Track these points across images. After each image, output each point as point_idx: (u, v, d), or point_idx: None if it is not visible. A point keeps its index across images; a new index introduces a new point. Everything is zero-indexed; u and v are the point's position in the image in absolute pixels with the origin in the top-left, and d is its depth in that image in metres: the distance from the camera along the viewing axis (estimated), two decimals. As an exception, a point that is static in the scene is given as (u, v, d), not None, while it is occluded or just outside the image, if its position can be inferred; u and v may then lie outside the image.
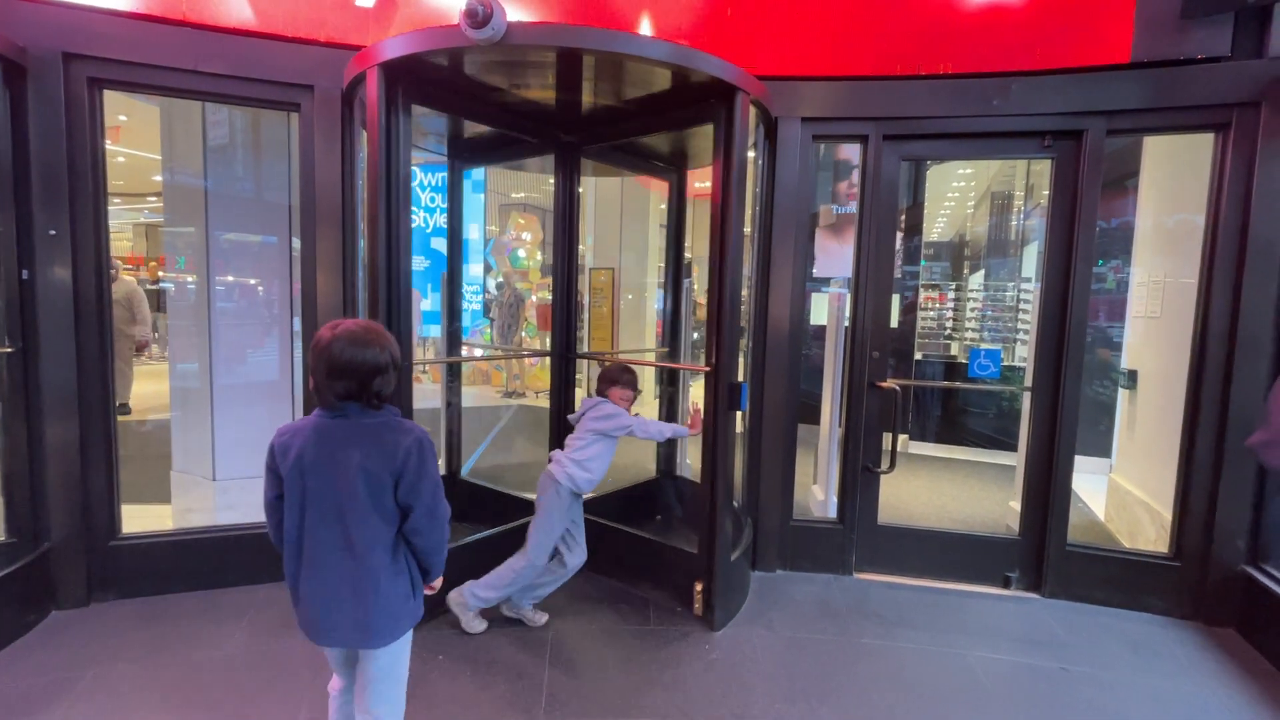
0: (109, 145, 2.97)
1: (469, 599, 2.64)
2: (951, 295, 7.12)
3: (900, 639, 2.77)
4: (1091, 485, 4.64)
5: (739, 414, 2.86)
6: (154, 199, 12.15)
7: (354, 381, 1.41)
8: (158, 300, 10.41)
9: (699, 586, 2.81)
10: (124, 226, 13.80)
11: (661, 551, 3.05)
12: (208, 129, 3.66)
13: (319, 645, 1.56)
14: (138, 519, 3.05)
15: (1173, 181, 3.68)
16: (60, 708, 2.17)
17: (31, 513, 2.72)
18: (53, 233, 2.66)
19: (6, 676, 2.33)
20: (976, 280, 7.68)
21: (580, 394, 3.59)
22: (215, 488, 3.60)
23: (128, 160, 9.33)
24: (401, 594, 1.50)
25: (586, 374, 8.37)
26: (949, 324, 7.03)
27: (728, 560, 2.82)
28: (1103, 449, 5.27)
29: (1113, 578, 3.10)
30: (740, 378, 2.80)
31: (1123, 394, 4.29)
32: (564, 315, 3.46)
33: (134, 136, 8.51)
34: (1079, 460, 3.15)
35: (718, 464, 2.74)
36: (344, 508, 1.42)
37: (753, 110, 2.80)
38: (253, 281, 3.86)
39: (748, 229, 3.13)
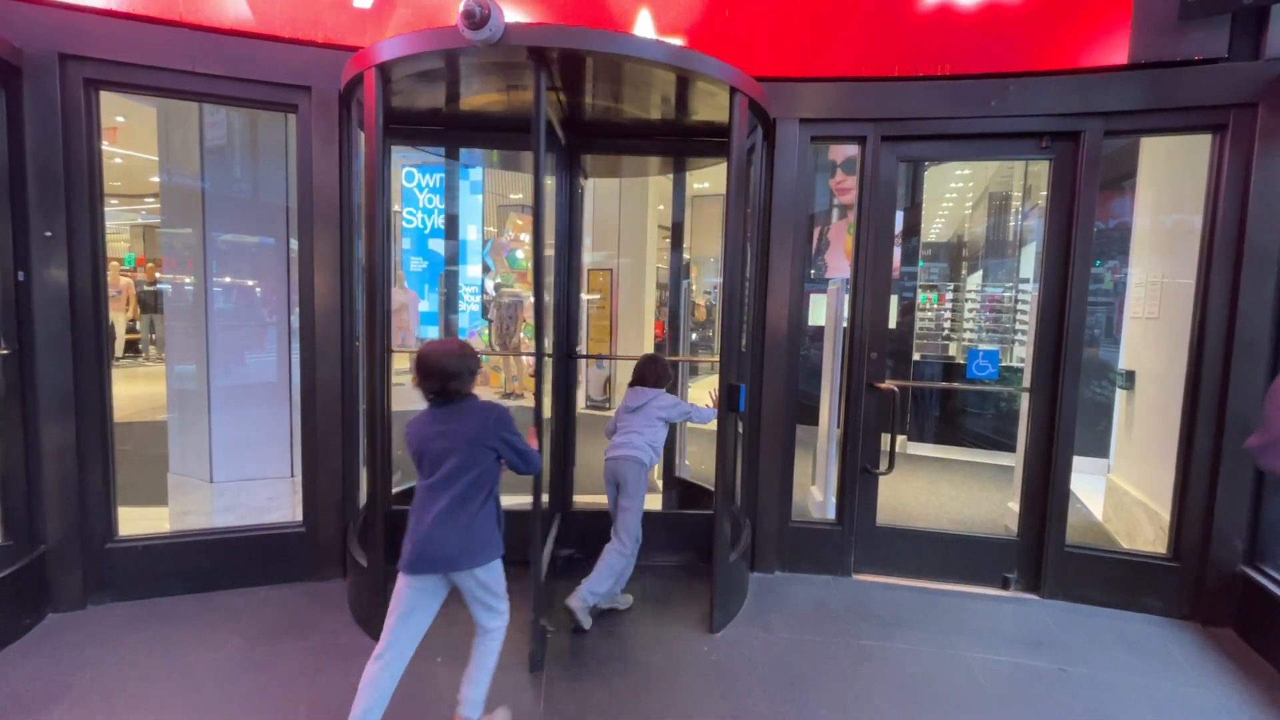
0: (106, 146, 2.96)
1: (587, 597, 2.70)
2: (950, 296, 7.13)
3: (899, 640, 2.77)
4: (1089, 486, 4.65)
5: (738, 415, 2.86)
6: (151, 200, 12.12)
7: (437, 382, 1.91)
8: (155, 301, 10.40)
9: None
10: (121, 228, 13.76)
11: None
12: (205, 130, 3.65)
13: (416, 574, 1.92)
14: (134, 521, 3.04)
15: (1170, 182, 3.69)
16: (56, 711, 2.16)
17: (28, 515, 2.71)
18: (49, 234, 2.65)
19: (3, 679, 2.32)
20: (974, 281, 7.69)
21: (581, 394, 3.59)
22: (212, 490, 3.59)
23: (125, 161, 9.31)
24: (487, 529, 1.94)
25: (585, 374, 8.37)
26: (947, 325, 7.04)
27: (726, 561, 2.81)
28: (1100, 449, 5.27)
29: (1111, 578, 3.11)
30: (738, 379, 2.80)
31: (1120, 394, 4.29)
32: (563, 315, 3.45)
33: (131, 137, 8.48)
34: (1077, 461, 3.16)
35: (718, 466, 2.73)
36: (454, 465, 1.89)
37: (750, 112, 2.79)
38: (250, 283, 3.85)
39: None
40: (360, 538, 2.91)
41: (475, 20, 2.08)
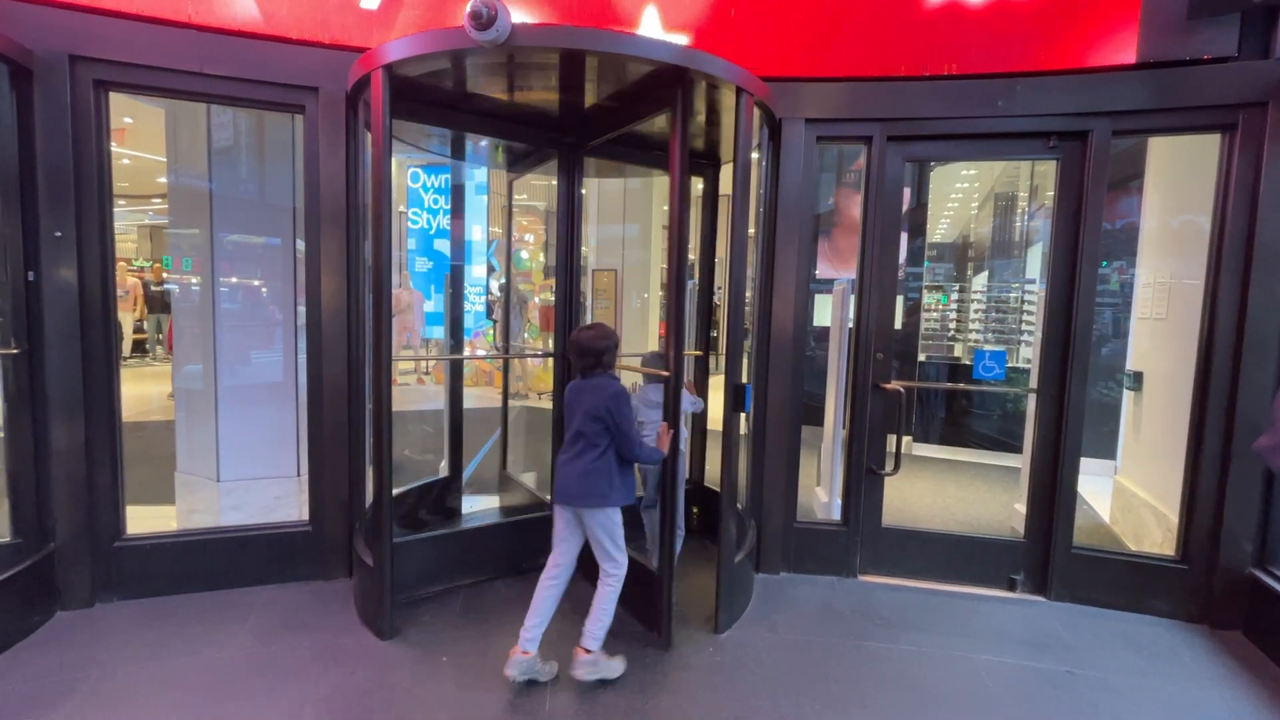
0: (114, 147, 2.97)
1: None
2: (955, 296, 7.11)
3: (905, 641, 2.76)
4: (1096, 487, 4.62)
5: (743, 415, 2.86)
6: (159, 201, 12.19)
7: (586, 359, 2.37)
8: (161, 301, 10.46)
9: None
10: (129, 228, 13.85)
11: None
12: (212, 131, 3.67)
13: (555, 504, 2.43)
14: (142, 520, 3.05)
15: (1178, 182, 3.66)
16: (65, 709, 2.17)
17: (37, 513, 2.73)
18: (58, 235, 2.67)
19: (12, 677, 2.34)
20: (980, 281, 7.66)
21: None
22: (219, 489, 3.61)
23: (133, 162, 9.37)
24: (605, 480, 2.33)
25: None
26: (953, 325, 7.01)
27: (732, 562, 2.81)
28: (1107, 451, 5.25)
29: (1119, 580, 3.09)
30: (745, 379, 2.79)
31: (1128, 396, 4.27)
32: (566, 316, 3.45)
33: (138, 139, 8.54)
34: (1083, 462, 3.14)
35: (723, 467, 2.73)
36: (580, 424, 2.33)
37: (757, 111, 2.79)
38: (256, 283, 3.87)
39: (750, 230, 3.13)
40: (366, 537, 2.92)
41: (482, 21, 2.09)
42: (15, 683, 2.31)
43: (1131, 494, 3.92)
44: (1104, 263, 5.27)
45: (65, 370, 2.72)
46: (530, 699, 2.28)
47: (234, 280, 3.77)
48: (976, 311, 7.15)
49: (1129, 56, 2.88)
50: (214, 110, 3.56)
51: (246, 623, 2.74)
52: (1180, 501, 3.07)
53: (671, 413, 2.59)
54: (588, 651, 2.36)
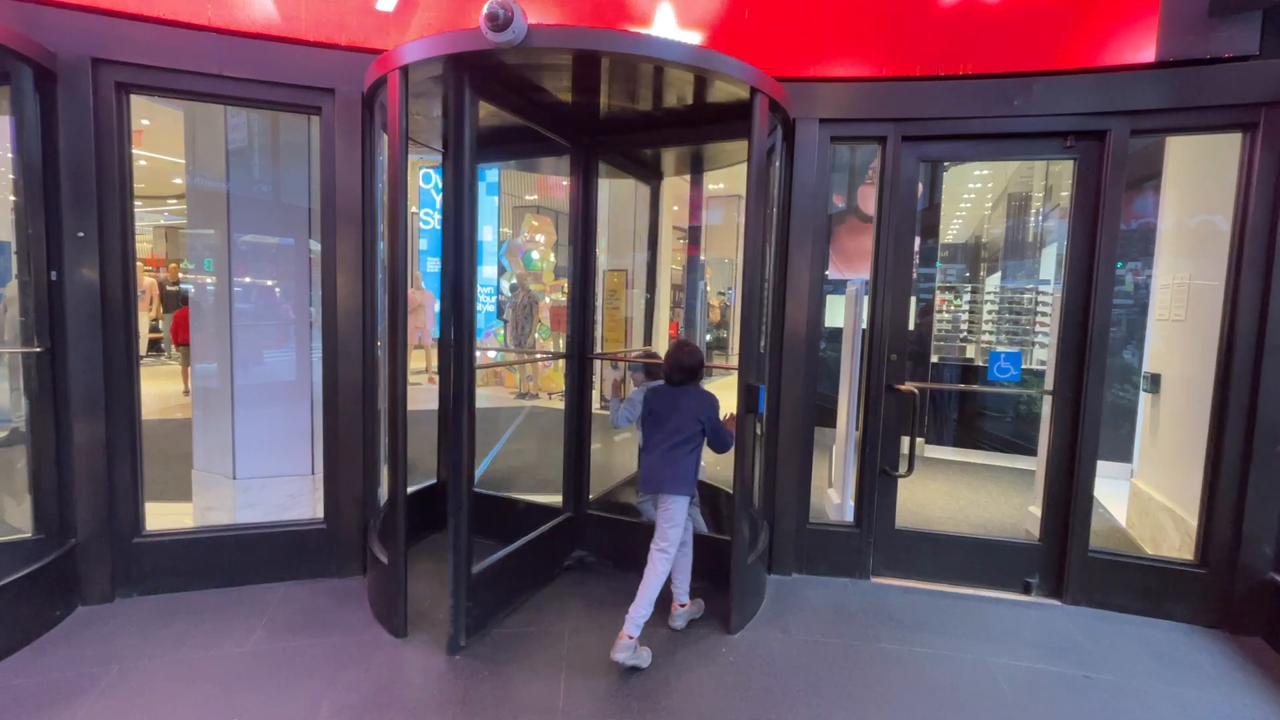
0: (133, 149, 3.01)
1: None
2: (968, 297, 7.06)
3: (918, 644, 2.74)
4: (1112, 491, 4.57)
5: (757, 417, 2.85)
6: (174, 201, 12.33)
7: (684, 374, 2.73)
8: (177, 301, 10.58)
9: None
10: (144, 229, 14.01)
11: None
12: (229, 133, 3.71)
13: (644, 492, 2.92)
14: (160, 517, 3.09)
15: (1197, 182, 3.62)
16: (86, 700, 2.21)
17: (59, 510, 2.77)
18: (81, 235, 2.71)
19: (35, 670, 2.38)
20: (993, 282, 7.60)
21: (593, 394, 3.61)
22: (235, 486, 3.64)
23: (149, 164, 9.48)
24: (686, 472, 2.67)
25: (599, 373, 8.39)
26: (965, 327, 6.97)
27: (745, 563, 2.81)
28: (1124, 454, 5.19)
29: (1136, 585, 3.06)
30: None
31: (1145, 398, 4.22)
32: (580, 317, 3.46)
33: (155, 140, 8.65)
34: (1099, 465, 3.11)
35: (736, 467, 2.73)
36: (678, 423, 2.68)
37: (772, 112, 2.79)
38: (270, 283, 3.91)
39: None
40: (381, 535, 2.94)
41: (498, 23, 2.10)
42: (39, 674, 2.34)
43: (1148, 497, 3.87)
44: (1119, 264, 5.22)
45: (86, 369, 2.76)
46: (543, 695, 2.29)
47: (248, 280, 3.81)
48: (990, 313, 7.10)
49: (1148, 55, 2.85)
50: (230, 112, 3.60)
51: (263, 619, 2.77)
52: (1200, 505, 3.04)
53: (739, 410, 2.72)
54: (630, 637, 2.47)
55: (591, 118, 3.12)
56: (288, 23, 2.89)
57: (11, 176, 2.70)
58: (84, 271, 2.73)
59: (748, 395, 2.67)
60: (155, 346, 10.98)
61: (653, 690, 2.36)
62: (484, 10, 2.11)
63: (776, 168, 3.22)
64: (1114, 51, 2.89)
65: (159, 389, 7.98)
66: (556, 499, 3.57)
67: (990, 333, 6.98)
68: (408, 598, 2.66)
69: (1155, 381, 3.94)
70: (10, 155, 2.67)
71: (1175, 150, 3.93)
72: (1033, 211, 7.48)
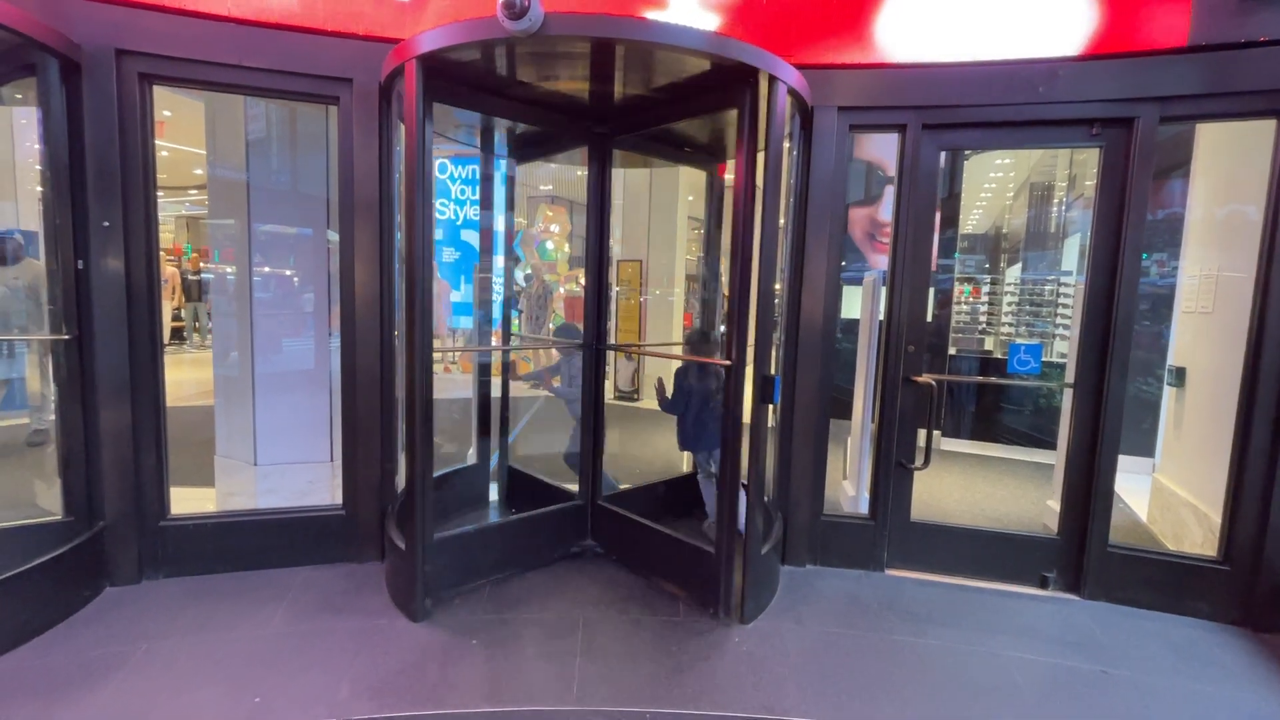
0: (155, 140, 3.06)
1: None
2: (987, 289, 6.96)
3: (933, 636, 2.73)
4: (1133, 486, 4.51)
5: (771, 407, 2.84)
6: (195, 192, 12.49)
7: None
8: (198, 290, 10.77)
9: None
10: (167, 219, 14.23)
11: (691, 548, 3.04)
12: (248, 123, 3.75)
13: (687, 450, 3.72)
14: (184, 501, 3.16)
15: (1227, 171, 3.53)
16: (116, 678, 2.27)
17: (87, 493, 2.85)
18: (106, 224, 2.76)
19: (67, 648, 2.45)
20: (1014, 274, 7.48)
21: (607, 385, 3.63)
22: (256, 472, 3.72)
23: (171, 154, 9.61)
24: (711, 435, 3.39)
25: (613, 365, 8.40)
26: (984, 319, 6.87)
27: (758, 554, 2.81)
28: (1145, 449, 5.11)
29: (1157, 580, 3.01)
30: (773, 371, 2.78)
31: (1169, 392, 4.14)
32: (597, 306, 3.47)
33: (176, 131, 8.75)
34: (1121, 460, 3.06)
35: (750, 458, 2.72)
36: (696, 399, 3.39)
37: (789, 99, 2.76)
38: (289, 273, 3.95)
39: (781, 220, 3.10)
40: (398, 521, 2.98)
41: (515, 10, 2.09)
42: (71, 652, 2.42)
43: (1171, 493, 3.81)
44: (1144, 255, 5.11)
45: (113, 356, 2.82)
46: (557, 680, 2.32)
47: (267, 270, 3.86)
48: (1010, 305, 6.99)
49: (1179, 39, 2.77)
50: (249, 103, 3.63)
51: (283, 602, 2.83)
52: (1224, 501, 2.98)
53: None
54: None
55: (605, 106, 3.11)
56: (305, 12, 2.91)
57: (39, 168, 2.75)
58: (109, 260, 2.78)
59: (763, 385, 2.66)
60: (178, 335, 11.18)
61: (666, 678, 2.38)
62: (501, -2, 2.11)
63: (794, 156, 3.19)
64: (1143, 35, 2.81)
65: (182, 376, 8.14)
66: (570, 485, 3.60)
67: (1010, 325, 6.88)
68: (424, 582, 2.70)
69: (1180, 375, 3.86)
70: (38, 146, 2.72)
71: (1205, 138, 3.83)
72: (1055, 201, 7.34)
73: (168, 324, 10.80)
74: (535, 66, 2.64)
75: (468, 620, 2.72)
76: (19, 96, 3.10)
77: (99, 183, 2.73)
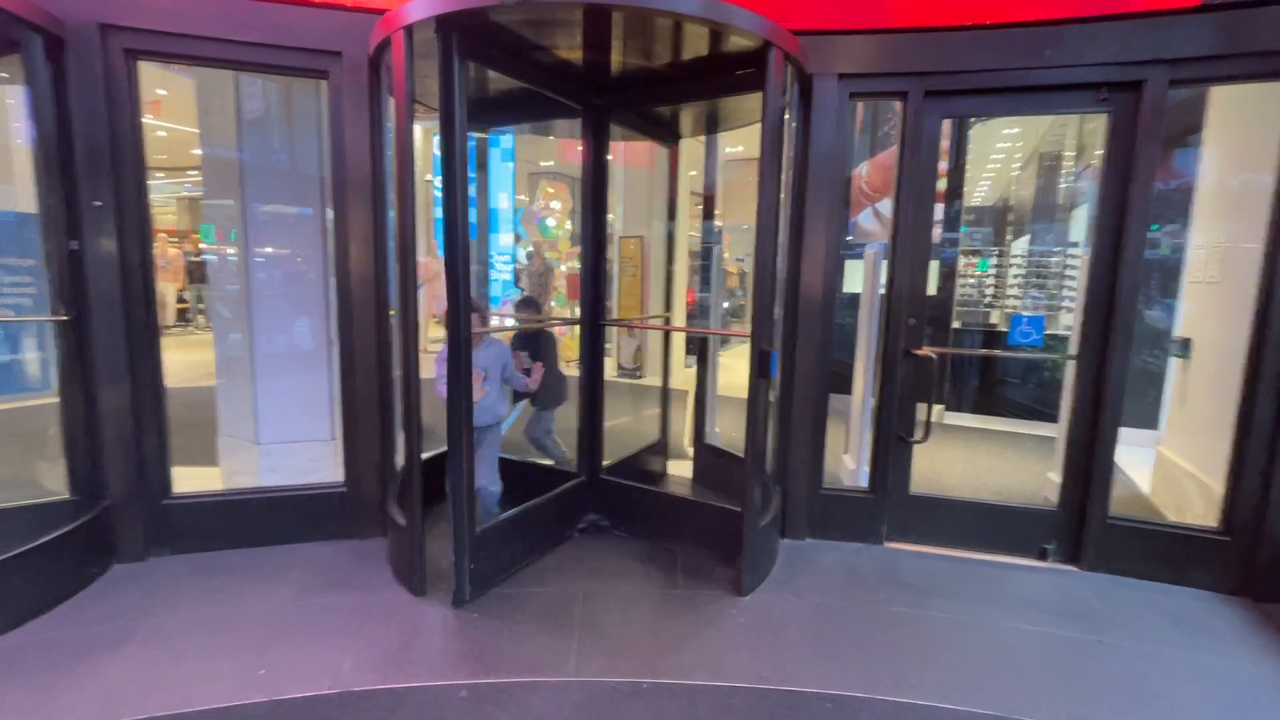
0: (150, 120, 3.02)
1: None
2: (993, 261, 6.87)
3: (931, 608, 2.75)
4: (1136, 458, 4.49)
5: (770, 381, 2.83)
6: (194, 172, 12.43)
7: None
8: (200, 271, 10.76)
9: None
10: (168, 200, 14.19)
11: (692, 517, 3.06)
12: (242, 102, 3.70)
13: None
14: (188, 480, 3.19)
15: (1240, 138, 3.44)
16: (124, 651, 2.32)
17: (91, 472, 2.88)
18: (98, 204, 2.74)
19: (75, 623, 2.50)
20: (1021, 246, 7.38)
21: (610, 363, 3.60)
22: (259, 451, 3.74)
23: (169, 134, 9.53)
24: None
25: (615, 342, 8.39)
26: (990, 291, 6.80)
27: (757, 526, 2.82)
28: (1149, 421, 5.07)
29: (1156, 551, 3.01)
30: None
31: (1174, 363, 4.10)
32: (592, 283, 3.44)
33: (173, 111, 8.67)
34: (1123, 433, 3.04)
35: (749, 432, 2.72)
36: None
37: (788, 67, 2.69)
38: (288, 252, 3.93)
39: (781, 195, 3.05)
40: (399, 498, 3.01)
41: (502, -24, 2.03)
42: (80, 627, 2.47)
43: (1174, 465, 3.79)
44: (1154, 225, 5.02)
45: (110, 336, 2.82)
46: (555, 652, 2.35)
47: (268, 250, 3.84)
48: (1015, 277, 6.91)
49: (1191, -2, 2.68)
50: (243, 80, 3.58)
51: (287, 578, 2.87)
52: (1226, 471, 2.96)
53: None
54: None
55: (601, 76, 3.04)
56: (292, -17, 2.84)
57: (29, 148, 2.73)
58: (103, 241, 2.77)
59: (760, 360, 2.64)
60: (182, 316, 11.22)
61: (663, 649, 2.40)
62: (487, -36, 2.04)
63: (793, 126, 3.12)
64: (1154, -6, 2.72)
65: (187, 358, 8.17)
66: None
67: (1016, 297, 6.81)
68: (425, 558, 2.73)
69: (1186, 346, 3.81)
70: (26, 126, 2.69)
71: (1218, 102, 3.72)
72: (1063, 171, 7.21)
73: (172, 305, 10.84)
74: (528, 34, 2.58)
75: (471, 595, 2.74)
76: (5, 75, 3.06)
77: (88, 162, 2.71)
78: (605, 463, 3.57)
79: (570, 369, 3.87)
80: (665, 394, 4.27)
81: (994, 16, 2.88)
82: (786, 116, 3.08)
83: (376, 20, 2.67)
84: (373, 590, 2.78)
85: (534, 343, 3.68)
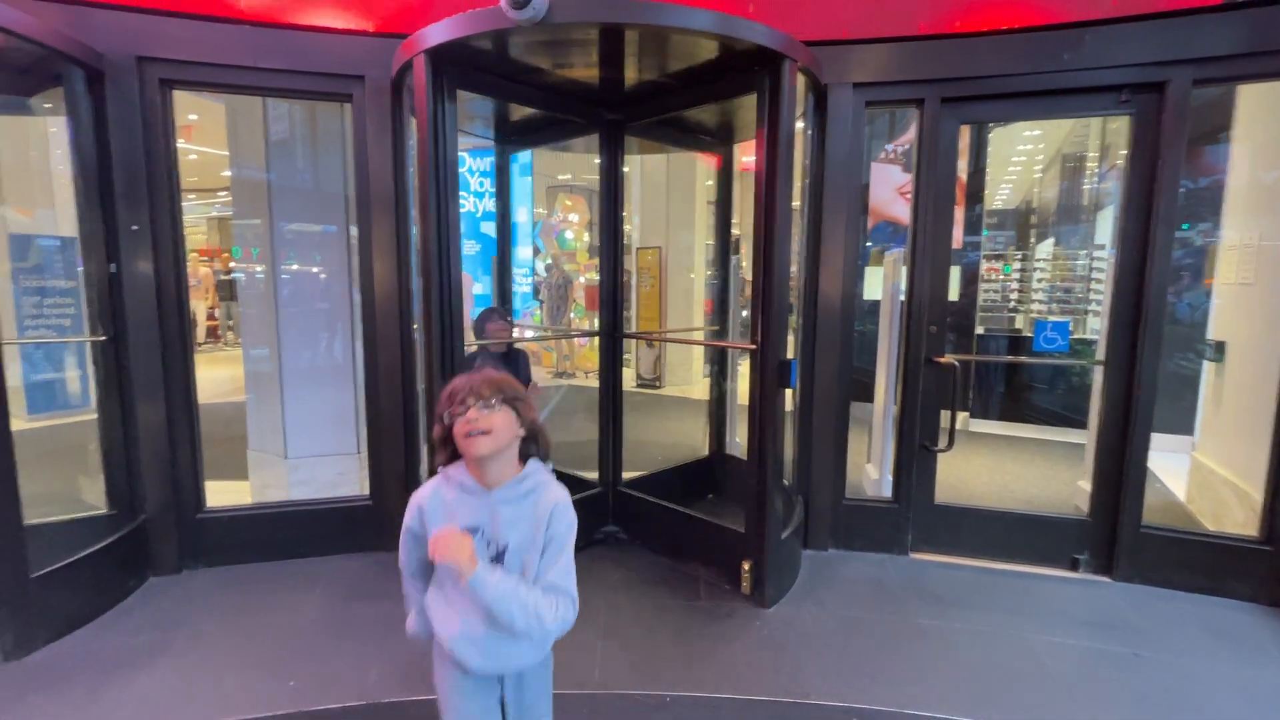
0: (182, 143, 3.14)
1: None
2: (1017, 265, 6.77)
3: (957, 619, 2.70)
4: (1171, 465, 4.37)
5: (789, 391, 2.82)
6: (224, 194, 12.80)
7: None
8: (230, 289, 11.06)
9: (746, 566, 2.80)
10: (198, 220, 14.62)
11: (711, 530, 3.05)
12: (270, 124, 3.82)
13: None
14: (220, 494, 3.28)
15: (1273, 133, 3.36)
16: (162, 661, 2.38)
17: (129, 487, 2.97)
18: (135, 228, 2.85)
19: (113, 633, 2.57)
20: (1045, 249, 7.26)
21: (629, 374, 3.62)
22: (287, 465, 3.82)
23: (199, 157, 9.84)
24: None
25: (635, 353, 8.41)
26: (1014, 296, 6.70)
27: (778, 538, 2.80)
28: (1184, 426, 4.93)
29: (1193, 561, 2.93)
30: (789, 355, 2.75)
31: (1208, 367, 3.99)
32: (612, 294, 3.47)
33: (204, 134, 8.96)
34: (1156, 438, 2.97)
35: (767, 441, 2.71)
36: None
37: (801, 78, 2.70)
38: (315, 269, 4.03)
39: (796, 202, 3.06)
40: (423, 511, 3.04)
41: (518, 0, 2.09)
42: (119, 637, 2.54)
43: (1210, 471, 3.68)
44: (1185, 225, 4.90)
45: (146, 355, 2.92)
46: (582, 661, 2.36)
47: (295, 268, 3.95)
48: (1040, 281, 6.80)
49: (1214, -4, 2.64)
50: (270, 104, 3.69)
51: (315, 590, 2.92)
52: (1266, 478, 2.87)
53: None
54: None
55: (615, 93, 3.09)
56: (316, 8, 2.93)
57: (70, 174, 2.85)
58: (140, 263, 2.87)
59: (779, 370, 2.63)
60: (212, 334, 11.52)
61: (686, 660, 2.40)
62: (504, -12, 2.10)
63: (809, 135, 3.13)
64: (1175, -6, 2.68)
65: (216, 374, 8.39)
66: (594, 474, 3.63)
67: (1041, 302, 6.69)
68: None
69: (1220, 349, 3.72)
70: (69, 153, 2.81)
71: (1248, 100, 3.64)
72: (1088, 173, 7.09)
73: (203, 323, 11.15)
74: (544, 54, 2.63)
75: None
76: (48, 106, 3.20)
77: (126, 187, 2.82)
78: (626, 475, 3.59)
79: (590, 379, 3.89)
80: (716, 408, 4.26)
81: (1010, 22, 2.86)
82: (801, 125, 3.10)
83: (397, 45, 2.75)
84: (397, 602, 2.78)
85: (511, 362, 3.34)
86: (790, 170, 2.63)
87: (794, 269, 3.12)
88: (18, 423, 2.38)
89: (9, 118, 4.76)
